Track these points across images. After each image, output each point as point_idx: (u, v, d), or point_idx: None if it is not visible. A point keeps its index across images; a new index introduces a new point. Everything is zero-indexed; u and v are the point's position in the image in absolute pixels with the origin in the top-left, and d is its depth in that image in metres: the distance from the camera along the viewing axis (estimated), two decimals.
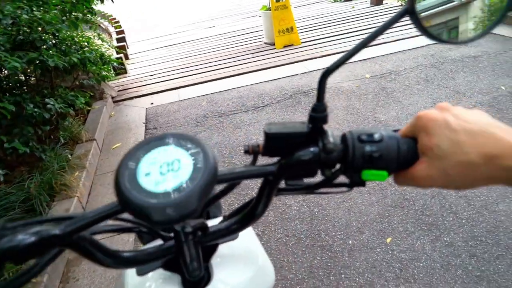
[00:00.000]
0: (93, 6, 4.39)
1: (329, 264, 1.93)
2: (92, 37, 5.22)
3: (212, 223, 0.65)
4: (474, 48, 4.48)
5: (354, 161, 0.48)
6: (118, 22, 10.24)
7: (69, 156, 3.10)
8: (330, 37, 5.90)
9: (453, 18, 0.51)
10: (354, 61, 4.63)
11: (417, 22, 0.45)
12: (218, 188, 0.61)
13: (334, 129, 3.04)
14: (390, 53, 4.72)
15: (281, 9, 5.72)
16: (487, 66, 3.91)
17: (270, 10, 5.88)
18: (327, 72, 0.47)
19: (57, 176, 2.69)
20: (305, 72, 4.56)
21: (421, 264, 1.86)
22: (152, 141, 0.48)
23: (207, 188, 0.42)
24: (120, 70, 5.62)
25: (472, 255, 1.86)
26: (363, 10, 7.33)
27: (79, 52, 3.46)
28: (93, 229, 0.52)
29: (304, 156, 0.49)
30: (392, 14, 0.44)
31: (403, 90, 3.68)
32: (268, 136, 0.50)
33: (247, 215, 0.59)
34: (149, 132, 3.71)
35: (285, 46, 5.79)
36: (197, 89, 4.63)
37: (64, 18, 3.46)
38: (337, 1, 8.98)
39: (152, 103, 4.41)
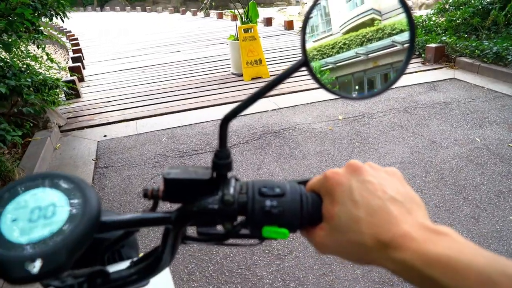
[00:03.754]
0: (43, 23, 3.94)
1: None
2: (40, 56, 4.71)
3: (120, 266, 0.57)
4: (443, 93, 4.47)
5: (254, 216, 0.44)
6: (76, 39, 9.63)
7: None
8: (299, 71, 5.74)
9: (354, 73, 0.51)
10: (326, 100, 4.46)
11: (312, 74, 0.46)
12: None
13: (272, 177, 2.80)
14: None
15: (250, 40, 5.52)
16: (458, 115, 3.86)
17: (238, 40, 5.68)
18: (226, 119, 0.46)
19: None
20: (275, 109, 4.32)
21: None
22: (27, 181, 0.43)
23: (82, 239, 0.38)
24: (71, 96, 5.09)
25: None
26: None
27: (14, 78, 2.97)
28: None
29: (202, 206, 0.45)
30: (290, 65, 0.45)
31: (378, 136, 3.50)
32: (167, 181, 0.47)
33: (153, 263, 0.53)
34: (98, 171, 3.24)
35: (253, 78, 5.57)
36: (157, 122, 4.22)
37: None
38: None
39: (105, 136, 3.94)
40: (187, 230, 0.52)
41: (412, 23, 0.46)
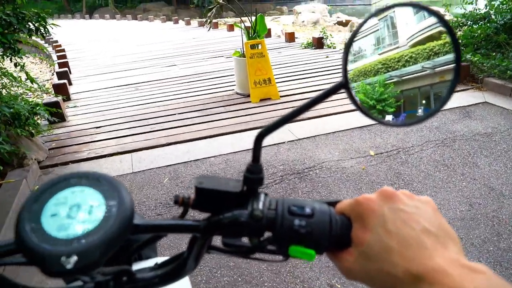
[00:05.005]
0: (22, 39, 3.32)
1: None
2: (18, 75, 4.07)
3: (141, 266, 0.59)
4: (480, 122, 3.95)
5: (282, 234, 0.44)
6: (62, 50, 8.95)
7: None
8: (311, 92, 5.20)
9: (421, 87, 0.50)
10: (350, 129, 3.90)
11: (351, 97, 0.44)
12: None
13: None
14: None
15: (258, 57, 4.95)
16: (508, 150, 3.33)
17: (243, 56, 5.11)
18: (261, 135, 0.46)
19: None
20: (293, 141, 3.74)
21: None
22: (69, 179, 0.44)
23: (116, 239, 0.39)
24: (55, 120, 4.42)
25: None
26: (339, 61, 6.81)
27: None
28: None
29: (231, 218, 0.46)
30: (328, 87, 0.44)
31: (424, 180, 2.95)
32: (198, 190, 0.48)
33: (177, 268, 0.53)
34: None
35: (261, 100, 4.99)
36: (156, 156, 3.60)
37: None
38: (308, 48, 8.52)
39: None
40: (213, 239, 0.51)
41: (457, 48, 0.44)
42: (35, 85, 4.30)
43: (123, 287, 0.52)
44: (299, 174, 3.11)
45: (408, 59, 0.49)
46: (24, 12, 3.03)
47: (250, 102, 4.95)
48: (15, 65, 3.84)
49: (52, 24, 3.52)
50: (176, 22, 16.73)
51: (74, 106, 5.24)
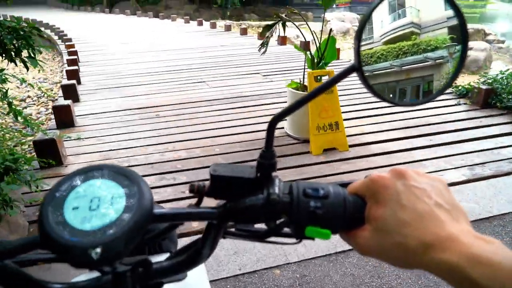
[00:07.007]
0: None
1: None
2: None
3: (160, 258, 0.59)
4: None
5: (298, 216, 0.46)
6: (75, 53, 7.80)
7: None
8: (389, 140, 3.91)
9: (389, 82, 0.53)
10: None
11: (363, 79, 0.45)
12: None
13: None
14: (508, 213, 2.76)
15: (325, 93, 3.69)
16: None
17: (304, 90, 3.87)
18: (274, 121, 0.48)
19: None
20: None
21: None
22: (87, 172, 0.45)
23: (138, 229, 0.40)
24: (47, 164, 3.21)
25: None
26: None
27: None
28: (20, 258, 0.49)
29: (247, 204, 0.48)
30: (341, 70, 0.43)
31: None
32: (213, 177, 0.49)
33: (193, 256, 0.54)
34: None
35: (324, 150, 3.72)
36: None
37: None
38: None
39: None
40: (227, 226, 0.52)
41: (464, 31, 0.45)
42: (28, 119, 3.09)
43: (140, 277, 0.52)
44: None
45: (380, 56, 0.51)
46: None
47: (309, 153, 3.69)
48: None
49: (40, 46, 2.30)
50: (200, 23, 15.49)
51: (78, 139, 4.02)
